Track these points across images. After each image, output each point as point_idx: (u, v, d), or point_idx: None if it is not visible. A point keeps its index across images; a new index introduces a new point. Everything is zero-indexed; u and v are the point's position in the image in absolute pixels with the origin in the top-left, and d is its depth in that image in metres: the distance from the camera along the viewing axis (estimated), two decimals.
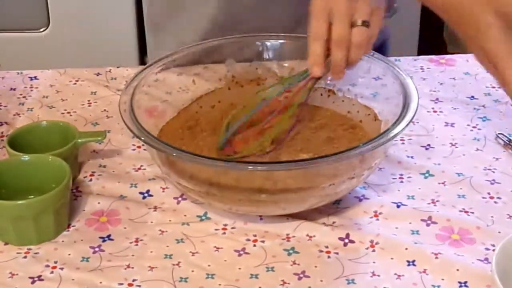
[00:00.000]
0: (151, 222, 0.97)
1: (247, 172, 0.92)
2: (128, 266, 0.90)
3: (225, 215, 0.97)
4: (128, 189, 1.03)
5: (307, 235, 0.94)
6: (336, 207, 0.98)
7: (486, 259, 0.90)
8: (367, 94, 1.09)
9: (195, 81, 1.11)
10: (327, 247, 0.93)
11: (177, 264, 0.90)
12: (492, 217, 0.96)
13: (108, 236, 0.95)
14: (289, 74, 1.14)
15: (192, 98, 1.11)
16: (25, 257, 0.92)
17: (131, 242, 0.94)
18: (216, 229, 0.96)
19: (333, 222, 0.96)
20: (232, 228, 0.96)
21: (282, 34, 1.15)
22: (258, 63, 1.15)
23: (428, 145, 1.10)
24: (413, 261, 0.90)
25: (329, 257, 0.91)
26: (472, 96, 1.21)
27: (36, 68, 1.30)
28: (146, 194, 1.02)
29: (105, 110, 1.19)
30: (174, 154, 0.92)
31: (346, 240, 0.93)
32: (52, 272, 0.90)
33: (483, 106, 1.18)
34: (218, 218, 0.97)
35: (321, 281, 0.88)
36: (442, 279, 0.88)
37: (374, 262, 0.90)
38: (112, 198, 1.01)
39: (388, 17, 1.13)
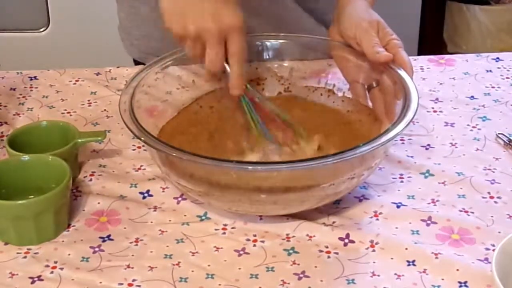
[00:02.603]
0: (151, 222, 0.97)
1: (247, 172, 0.92)
2: (128, 266, 0.90)
3: (225, 215, 0.97)
4: (128, 189, 1.03)
5: (307, 235, 0.94)
6: (336, 207, 0.98)
7: (486, 259, 0.90)
8: (365, 93, 1.09)
9: (195, 81, 1.11)
10: (327, 247, 0.93)
11: (177, 264, 0.90)
12: (492, 217, 0.96)
13: (108, 236, 0.95)
14: (289, 74, 1.14)
15: (192, 98, 1.11)
16: (25, 257, 0.92)
17: (131, 242, 0.94)
18: (216, 229, 0.96)
19: (333, 222, 0.96)
20: (232, 228, 0.96)
21: (282, 34, 1.15)
22: (258, 63, 1.15)
23: (428, 145, 1.10)
24: (413, 261, 0.90)
25: (329, 257, 0.91)
26: (472, 96, 1.21)
27: (36, 68, 1.30)
28: (146, 194, 1.02)
29: (105, 110, 1.19)
30: (174, 154, 0.92)
31: (346, 240, 0.93)
32: (52, 272, 0.90)
33: (483, 106, 1.18)
34: (218, 218, 0.97)
35: (321, 281, 0.88)
36: (442, 279, 0.87)
37: (374, 262, 0.90)
38: (112, 198, 1.01)
39: None
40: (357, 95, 1.09)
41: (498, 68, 1.28)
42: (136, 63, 1.36)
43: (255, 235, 0.95)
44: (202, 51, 0.98)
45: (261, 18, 1.23)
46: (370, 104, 1.08)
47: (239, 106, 1.03)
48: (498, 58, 1.30)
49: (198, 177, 0.94)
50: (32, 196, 0.95)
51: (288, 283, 0.88)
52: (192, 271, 0.90)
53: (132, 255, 0.92)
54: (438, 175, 1.04)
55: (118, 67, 1.29)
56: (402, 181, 1.03)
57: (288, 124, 1.04)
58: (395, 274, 0.88)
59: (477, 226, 0.95)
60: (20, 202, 0.92)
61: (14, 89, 1.24)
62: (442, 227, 0.95)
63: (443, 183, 1.02)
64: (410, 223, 0.96)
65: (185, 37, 0.98)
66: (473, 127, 1.13)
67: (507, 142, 1.09)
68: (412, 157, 1.07)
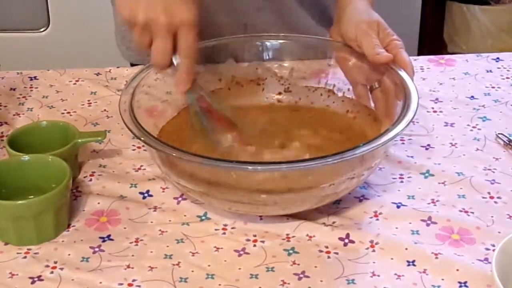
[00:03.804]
0: (151, 222, 0.97)
1: (247, 172, 0.92)
2: (128, 266, 0.90)
3: (225, 215, 0.97)
4: (128, 189, 1.03)
5: (307, 235, 0.94)
6: (336, 207, 0.98)
7: (486, 259, 0.90)
8: (367, 94, 1.09)
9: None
10: (327, 247, 0.93)
11: (177, 264, 0.90)
12: (492, 217, 0.96)
13: (108, 236, 0.95)
14: (289, 74, 1.14)
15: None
16: (25, 257, 0.92)
17: (131, 242, 0.94)
18: (216, 229, 0.96)
19: (333, 222, 0.96)
20: (232, 228, 0.96)
21: (282, 34, 1.15)
22: (258, 63, 1.15)
23: (428, 145, 1.10)
24: (413, 261, 0.90)
25: (329, 257, 0.91)
26: (472, 96, 1.21)
27: (36, 68, 1.30)
28: (146, 194, 1.02)
29: (105, 110, 1.19)
30: (174, 154, 0.92)
31: (346, 240, 0.93)
32: (52, 272, 0.90)
33: (483, 106, 1.18)
34: (218, 218, 0.97)
35: (321, 281, 0.88)
36: (442, 279, 0.87)
37: (374, 262, 0.90)
38: (112, 198, 1.01)
39: None
40: (359, 96, 1.08)
41: (498, 68, 1.28)
42: (133, 66, 1.36)
43: (255, 235, 0.95)
44: (149, 42, 0.97)
45: (260, 15, 1.24)
46: (372, 105, 1.08)
47: (186, 104, 1.02)
48: (498, 58, 1.31)
49: (198, 177, 0.94)
50: (32, 196, 0.95)
51: (288, 283, 0.88)
52: (192, 271, 0.90)
53: (132, 255, 0.92)
54: (438, 175, 1.04)
55: (118, 67, 1.30)
56: (402, 181, 1.03)
57: (237, 126, 1.03)
58: (395, 274, 0.88)
59: (477, 226, 0.95)
60: (20, 202, 0.92)
61: (14, 89, 1.24)
62: (442, 227, 0.95)
63: (443, 183, 1.02)
64: (410, 223, 0.96)
65: (134, 24, 0.97)
66: (473, 127, 1.13)
67: (507, 142, 1.09)
68: (412, 157, 1.07)
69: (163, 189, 1.02)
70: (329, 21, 1.24)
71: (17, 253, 0.93)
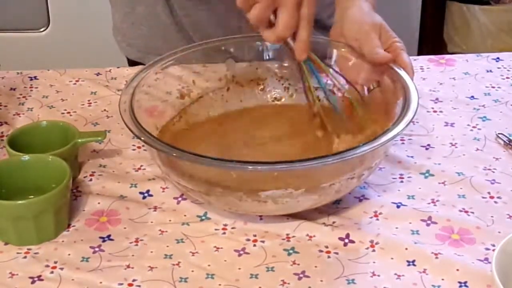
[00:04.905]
0: (151, 222, 0.97)
1: (247, 172, 0.92)
2: (128, 266, 0.90)
3: (225, 215, 0.97)
4: (128, 189, 1.03)
5: (307, 235, 0.94)
6: (336, 207, 0.98)
7: (486, 259, 0.90)
8: (367, 94, 1.09)
9: (195, 81, 1.11)
10: (327, 247, 0.93)
11: (177, 264, 0.90)
12: (492, 217, 0.96)
13: (108, 236, 0.95)
14: (289, 74, 1.14)
15: (192, 98, 1.11)
16: (25, 257, 0.92)
17: (131, 242, 0.94)
18: (216, 229, 0.96)
19: (333, 222, 0.96)
20: (232, 228, 0.96)
21: None
22: (258, 63, 1.15)
23: (428, 145, 1.10)
24: (413, 261, 0.90)
25: (329, 257, 0.91)
26: (472, 96, 1.21)
27: (36, 68, 1.30)
28: (146, 194, 1.02)
29: (105, 110, 1.19)
30: (174, 154, 0.92)
31: (346, 240, 0.93)
32: (52, 272, 0.90)
33: (483, 106, 1.18)
34: (218, 218, 0.97)
35: (321, 281, 0.88)
36: (442, 279, 0.87)
37: (374, 262, 0.90)
38: (112, 198, 1.01)
39: None
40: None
41: (498, 68, 1.28)
42: (132, 63, 1.36)
43: (255, 235, 0.95)
44: (269, 17, 0.98)
45: None
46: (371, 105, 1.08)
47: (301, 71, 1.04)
48: (498, 58, 1.31)
49: (198, 177, 0.94)
50: (32, 196, 0.95)
51: (288, 283, 0.88)
52: (192, 271, 0.90)
53: (132, 255, 0.92)
54: (438, 175, 1.04)
55: (118, 67, 1.30)
56: (402, 181, 1.03)
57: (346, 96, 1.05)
58: (395, 274, 0.88)
59: (477, 226, 0.95)
60: (20, 202, 0.92)
61: (14, 89, 1.24)
62: (442, 227, 0.95)
63: (443, 183, 1.02)
64: (410, 223, 0.96)
65: (256, 1, 0.97)
66: (473, 127, 1.13)
67: (507, 142, 1.09)
68: (412, 157, 1.07)
69: (163, 189, 1.02)
70: (321, 25, 1.24)
71: (17, 253, 0.93)
